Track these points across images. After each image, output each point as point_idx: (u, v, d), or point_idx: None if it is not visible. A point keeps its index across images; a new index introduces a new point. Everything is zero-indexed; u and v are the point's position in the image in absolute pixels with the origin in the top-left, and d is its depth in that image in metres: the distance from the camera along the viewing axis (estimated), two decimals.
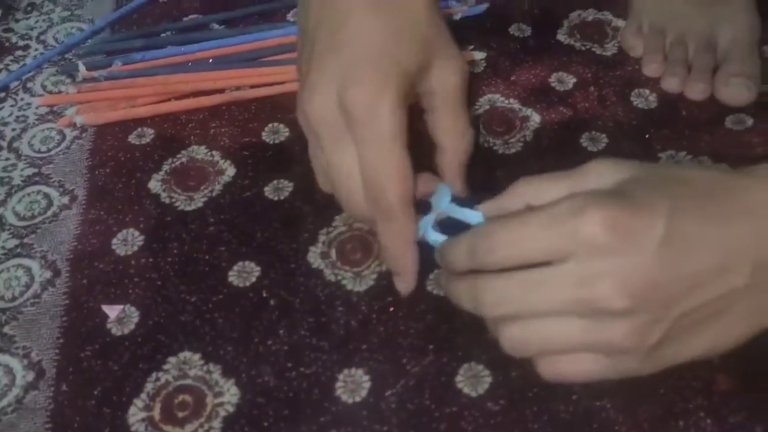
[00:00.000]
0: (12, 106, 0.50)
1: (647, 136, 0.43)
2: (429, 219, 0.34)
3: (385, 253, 0.34)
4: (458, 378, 0.34)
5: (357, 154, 0.32)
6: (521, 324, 0.29)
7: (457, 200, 0.34)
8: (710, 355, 0.29)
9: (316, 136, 0.33)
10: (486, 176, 0.42)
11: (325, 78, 0.32)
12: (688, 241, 0.27)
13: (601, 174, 0.29)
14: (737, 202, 0.28)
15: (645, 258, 0.26)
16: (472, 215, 0.33)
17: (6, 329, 0.37)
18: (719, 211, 0.27)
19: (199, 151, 0.45)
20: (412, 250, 0.34)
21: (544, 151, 0.43)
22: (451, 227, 0.33)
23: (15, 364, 0.36)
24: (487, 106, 0.46)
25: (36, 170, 0.45)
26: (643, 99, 0.46)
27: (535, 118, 0.45)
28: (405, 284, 0.35)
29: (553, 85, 0.47)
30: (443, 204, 0.34)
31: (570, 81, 0.47)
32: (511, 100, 0.46)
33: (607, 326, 0.27)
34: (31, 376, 0.35)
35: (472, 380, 0.33)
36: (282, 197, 0.42)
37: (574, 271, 0.27)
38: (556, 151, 0.43)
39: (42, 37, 0.55)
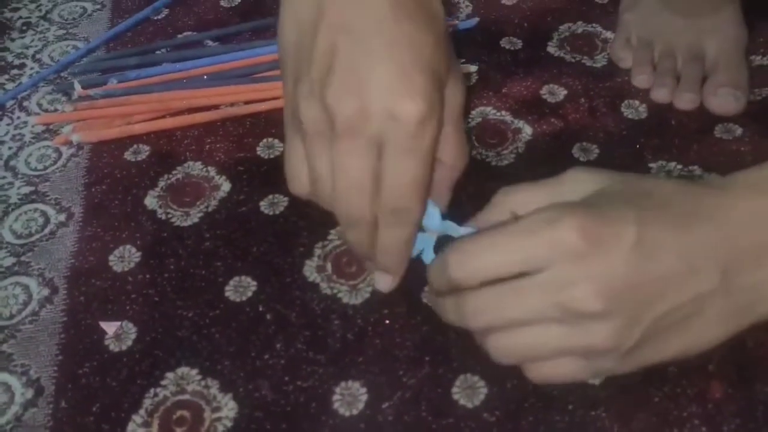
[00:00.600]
0: (8, 124, 0.50)
1: (638, 146, 0.44)
2: (427, 240, 0.34)
3: (382, 253, 0.34)
4: (454, 389, 0.34)
5: (387, 161, 0.31)
6: (504, 333, 0.30)
7: (444, 215, 0.35)
8: (687, 355, 0.30)
9: (321, 135, 0.31)
10: (479, 189, 0.42)
11: (354, 80, 0.30)
12: (656, 246, 0.28)
13: (576, 182, 0.31)
14: (701, 210, 0.29)
15: (617, 262, 0.28)
16: (465, 231, 0.33)
17: (4, 347, 0.37)
18: (683, 219, 0.29)
19: (195, 167, 0.45)
20: (408, 252, 0.34)
21: (536, 163, 0.44)
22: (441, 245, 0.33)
23: (14, 381, 0.36)
24: (480, 119, 0.47)
25: (33, 188, 0.45)
26: (634, 109, 0.47)
27: (527, 130, 0.46)
28: (389, 282, 0.35)
29: (544, 97, 0.48)
30: (435, 223, 0.34)
31: (561, 93, 0.48)
32: (503, 113, 0.47)
33: (585, 331, 0.28)
34: (30, 394, 0.35)
35: (468, 392, 0.34)
36: (277, 212, 0.42)
37: (551, 278, 0.28)
38: (548, 162, 0.43)
39: (38, 56, 0.55)
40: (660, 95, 0.47)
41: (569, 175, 0.32)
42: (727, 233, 0.29)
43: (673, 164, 0.43)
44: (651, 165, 0.43)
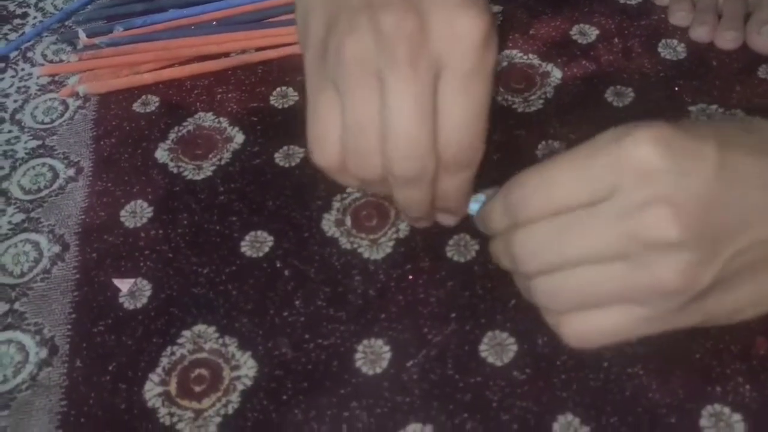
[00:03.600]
0: (12, 76, 0.48)
1: (676, 88, 0.41)
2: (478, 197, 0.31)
3: (444, 199, 0.30)
4: (482, 347, 0.32)
5: (449, 91, 0.27)
6: (558, 274, 0.26)
7: None
8: (752, 315, 0.28)
9: (369, 75, 0.26)
10: (505, 136, 0.40)
11: (411, 1, 0.26)
12: (739, 171, 0.25)
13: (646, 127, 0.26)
14: None
15: (698, 183, 0.24)
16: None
17: (17, 305, 0.36)
18: (765, 147, 0.25)
19: (206, 118, 0.43)
20: (471, 188, 0.31)
21: (566, 108, 0.41)
22: None
23: (28, 340, 0.35)
24: (505, 63, 0.44)
25: (40, 142, 0.44)
26: (671, 50, 0.44)
27: (556, 74, 0.43)
28: (454, 219, 0.33)
29: (574, 37, 0.45)
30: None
31: (592, 33, 0.45)
32: (530, 56, 0.44)
33: (654, 265, 0.25)
34: (44, 353, 0.34)
35: (497, 349, 0.32)
36: (293, 164, 0.40)
37: (620, 204, 0.24)
38: (579, 108, 0.41)
39: (40, 4, 0.53)
40: (700, 34, 0.44)
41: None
42: None
43: (714, 107, 0.40)
44: (690, 108, 0.40)
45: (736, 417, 0.30)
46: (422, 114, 0.26)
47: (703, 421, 0.30)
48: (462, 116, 0.27)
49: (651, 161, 0.24)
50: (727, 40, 0.43)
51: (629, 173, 0.24)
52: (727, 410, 0.30)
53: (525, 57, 0.44)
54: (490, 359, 0.32)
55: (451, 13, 0.26)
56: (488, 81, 0.27)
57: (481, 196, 0.31)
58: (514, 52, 0.44)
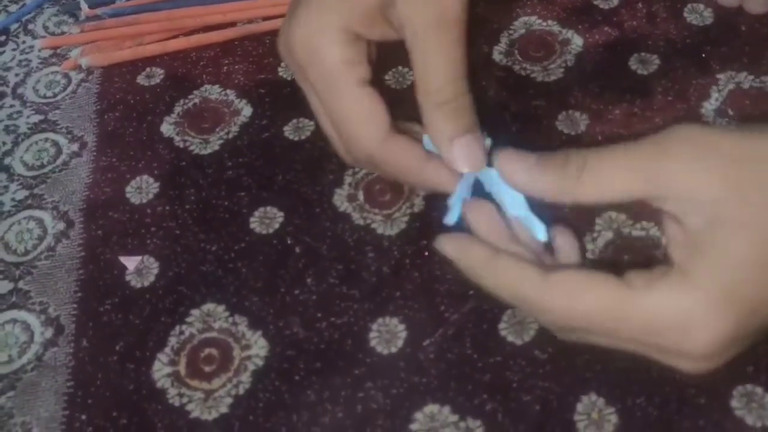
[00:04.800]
0: (14, 49, 0.47)
1: (703, 55, 0.39)
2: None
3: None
4: (501, 325, 0.31)
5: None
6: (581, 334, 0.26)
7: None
8: None
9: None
10: (523, 107, 0.39)
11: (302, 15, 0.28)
12: None
13: (687, 146, 0.23)
14: None
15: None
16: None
17: (21, 284, 0.35)
18: None
19: (213, 91, 0.42)
20: (430, 169, 0.29)
21: (588, 77, 0.39)
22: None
23: (33, 320, 0.34)
24: (523, 30, 0.42)
25: (42, 117, 0.43)
26: (698, 14, 0.41)
27: (577, 41, 0.41)
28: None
29: (596, 2, 0.43)
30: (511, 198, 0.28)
31: None
32: (550, 22, 0.42)
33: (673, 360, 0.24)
34: (49, 333, 0.34)
35: (517, 327, 0.31)
36: (303, 137, 0.39)
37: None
38: (601, 76, 0.39)
39: None
40: None
41: (675, 133, 0.23)
42: None
43: (743, 75, 0.38)
44: (719, 76, 0.38)
45: None
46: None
47: (734, 402, 0.29)
48: None
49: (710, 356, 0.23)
50: (757, 3, 0.41)
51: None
52: (759, 390, 0.29)
53: (544, 23, 0.42)
54: (510, 338, 0.31)
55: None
56: None
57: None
58: (533, 18, 0.43)
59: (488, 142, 0.28)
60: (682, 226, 0.23)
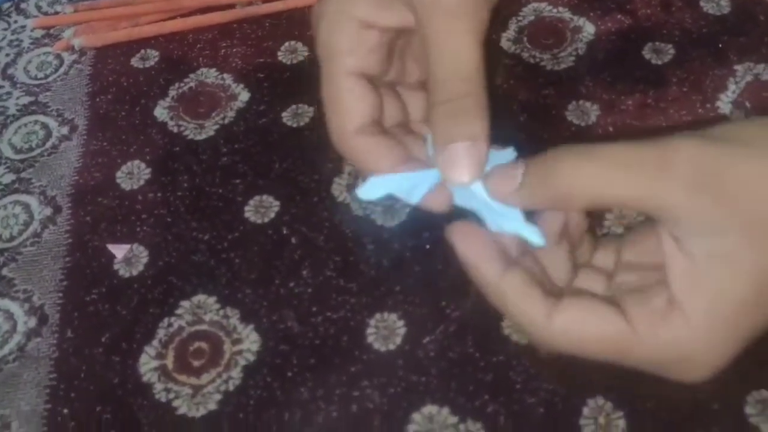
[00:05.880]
0: (5, 29, 0.45)
1: (720, 45, 0.38)
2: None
3: None
4: (505, 323, 0.30)
5: None
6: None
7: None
8: None
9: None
10: (532, 96, 0.37)
11: None
12: None
13: (692, 164, 0.21)
14: None
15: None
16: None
17: (5, 271, 0.34)
18: None
19: (209, 74, 0.41)
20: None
21: (600, 66, 0.38)
22: None
23: (16, 308, 0.33)
24: (532, 17, 0.41)
25: (33, 98, 0.41)
26: (714, 3, 0.40)
27: (589, 29, 0.40)
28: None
29: None
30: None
31: None
32: (560, 9, 0.41)
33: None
34: (33, 322, 0.32)
35: None
36: (302, 123, 0.38)
37: None
38: (614, 66, 0.38)
39: None
40: None
41: (681, 148, 0.21)
42: None
43: (761, 66, 0.37)
44: (736, 67, 0.37)
45: None
46: None
47: (749, 409, 0.27)
48: None
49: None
50: None
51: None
52: None
53: (554, 10, 0.41)
54: (514, 336, 0.30)
55: None
56: None
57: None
58: (543, 5, 0.41)
59: (511, 154, 0.25)
60: (681, 249, 0.22)
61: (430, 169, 0.25)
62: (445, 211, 0.26)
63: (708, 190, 0.21)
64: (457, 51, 0.25)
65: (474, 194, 0.24)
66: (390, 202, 0.34)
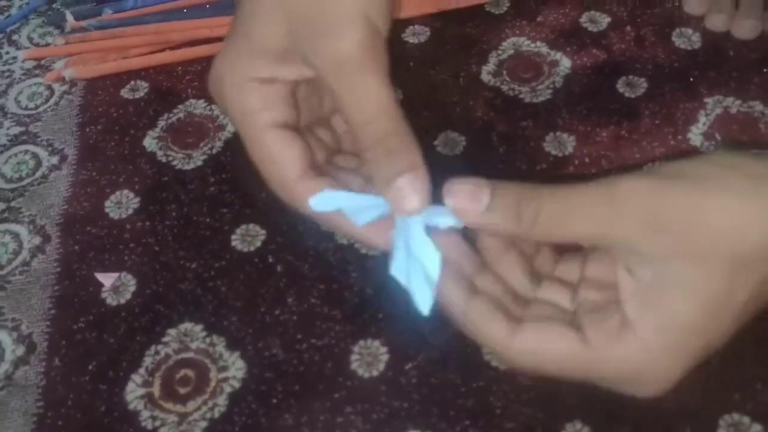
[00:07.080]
0: None
1: (691, 79, 0.39)
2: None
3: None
4: (486, 349, 0.30)
5: None
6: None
7: None
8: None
9: None
10: (511, 128, 0.38)
11: None
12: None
13: (640, 210, 0.23)
14: None
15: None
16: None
17: None
18: None
19: (198, 105, 0.42)
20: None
21: (576, 99, 0.39)
22: None
23: (4, 337, 0.33)
24: (512, 51, 0.42)
25: (23, 128, 0.42)
26: (686, 39, 0.42)
27: (566, 63, 0.41)
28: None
29: (584, 25, 0.43)
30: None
31: (603, 21, 0.43)
32: (538, 43, 0.42)
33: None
34: (21, 351, 0.33)
35: None
36: None
37: None
38: (589, 99, 0.39)
39: None
40: (716, 22, 0.42)
41: (628, 187, 0.23)
42: None
43: (730, 99, 0.38)
44: (706, 100, 0.38)
45: (757, 427, 0.28)
46: None
47: None
48: None
49: None
50: (745, 29, 0.41)
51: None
52: (746, 420, 0.28)
53: (533, 45, 0.42)
54: (494, 362, 0.30)
55: None
56: None
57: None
58: (522, 39, 0.42)
59: (449, 213, 0.24)
60: (631, 274, 0.24)
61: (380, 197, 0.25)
62: (380, 248, 0.26)
63: (652, 224, 0.23)
64: (369, 95, 0.25)
65: (410, 232, 0.24)
66: None
